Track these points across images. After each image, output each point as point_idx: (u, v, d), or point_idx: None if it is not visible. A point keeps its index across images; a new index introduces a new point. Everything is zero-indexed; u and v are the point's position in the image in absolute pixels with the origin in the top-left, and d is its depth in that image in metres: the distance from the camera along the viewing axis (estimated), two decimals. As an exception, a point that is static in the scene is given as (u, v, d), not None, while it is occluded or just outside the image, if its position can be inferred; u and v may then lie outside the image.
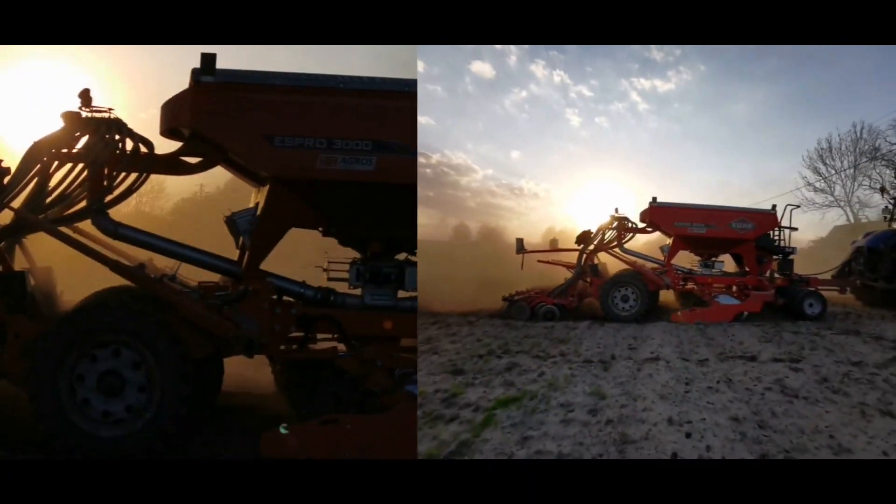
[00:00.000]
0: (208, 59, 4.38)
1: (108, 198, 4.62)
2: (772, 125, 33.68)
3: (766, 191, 30.85)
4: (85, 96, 4.62)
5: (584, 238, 10.46)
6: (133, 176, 4.67)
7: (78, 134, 4.61)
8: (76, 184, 4.59)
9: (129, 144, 4.65)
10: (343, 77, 4.48)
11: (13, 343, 4.27)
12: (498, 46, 31.27)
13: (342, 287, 5.00)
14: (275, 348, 4.61)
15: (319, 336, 4.87)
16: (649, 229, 10.44)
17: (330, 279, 4.95)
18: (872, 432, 3.94)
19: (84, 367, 4.14)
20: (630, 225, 10.40)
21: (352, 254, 5.13)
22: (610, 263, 10.98)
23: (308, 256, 5.15)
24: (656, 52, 30.20)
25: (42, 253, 5.09)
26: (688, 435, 3.74)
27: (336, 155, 4.36)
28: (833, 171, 23.96)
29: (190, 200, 18.52)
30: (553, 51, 30.68)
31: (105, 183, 4.62)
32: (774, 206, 10.21)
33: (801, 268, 11.16)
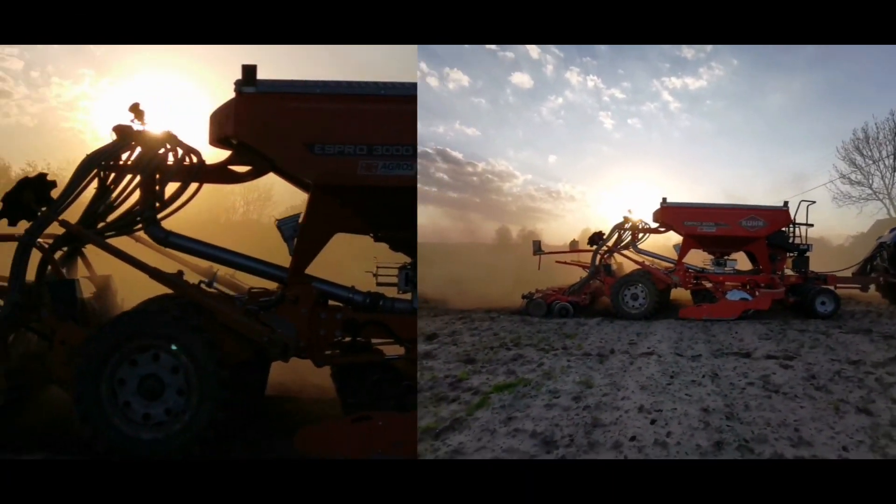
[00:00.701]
0: (249, 70, 4.47)
1: (165, 210, 4.78)
2: (809, 115, 32.63)
3: (801, 184, 30.03)
4: (136, 109, 4.79)
5: (596, 239, 10.79)
6: (186, 186, 4.81)
7: (130, 146, 4.76)
8: (128, 195, 4.74)
9: (180, 155, 4.80)
10: (383, 83, 4.50)
11: (59, 349, 4.39)
12: (535, 56, 32.00)
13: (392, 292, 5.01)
14: (319, 352, 4.67)
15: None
16: (662, 229, 10.64)
17: (379, 284, 5.01)
18: (840, 428, 4.04)
19: (125, 371, 4.24)
20: (643, 225, 10.65)
21: (403, 259, 5.16)
22: (626, 263, 11.27)
23: (364, 262, 5.19)
24: (687, 49, 29.89)
25: (105, 261, 5.16)
26: (652, 421, 4.10)
27: (376, 161, 4.38)
28: (871, 162, 22.97)
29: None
30: (587, 56, 31.25)
31: (157, 193, 4.77)
32: (786, 203, 10.21)
33: (838, 264, 11.10)
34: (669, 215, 10.16)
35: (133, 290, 5.21)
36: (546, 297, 10.38)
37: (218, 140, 4.76)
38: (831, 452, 3.63)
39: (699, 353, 6.75)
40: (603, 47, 30.65)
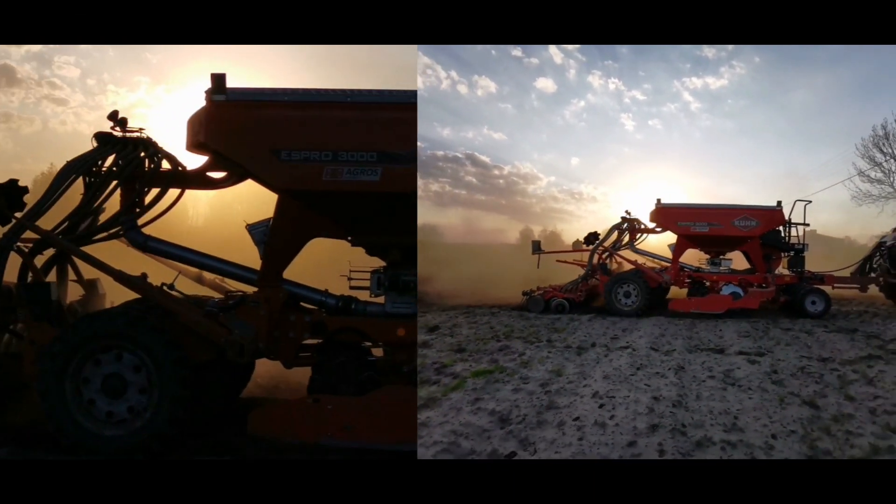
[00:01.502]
0: (219, 79, 4.56)
1: (146, 214, 4.94)
2: (833, 112, 31.87)
3: (821, 182, 29.50)
4: (115, 117, 4.88)
5: (592, 239, 11.26)
6: (168, 192, 4.98)
7: (110, 153, 4.88)
8: (104, 200, 4.89)
9: (157, 162, 4.92)
10: (349, 91, 4.59)
11: (29, 348, 4.55)
12: (559, 61, 32.61)
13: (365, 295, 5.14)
14: (288, 354, 4.85)
15: None
16: (658, 229, 11.01)
17: (352, 288, 5.12)
18: (776, 418, 4.28)
19: (89, 370, 4.39)
20: (640, 226, 11.06)
21: (376, 262, 5.26)
22: (626, 263, 11.70)
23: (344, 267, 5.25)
24: (708, 49, 29.74)
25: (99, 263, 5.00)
26: (601, 406, 4.59)
27: (341, 167, 4.46)
28: (891, 159, 22.47)
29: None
30: (608, 60, 31.76)
31: (136, 199, 4.90)
32: (780, 203, 10.38)
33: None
34: (664, 215, 10.52)
35: (122, 293, 5.29)
36: (545, 293, 10.91)
37: (193, 146, 4.87)
38: (759, 439, 3.89)
39: (674, 348, 7.14)
40: (624, 49, 30.84)
